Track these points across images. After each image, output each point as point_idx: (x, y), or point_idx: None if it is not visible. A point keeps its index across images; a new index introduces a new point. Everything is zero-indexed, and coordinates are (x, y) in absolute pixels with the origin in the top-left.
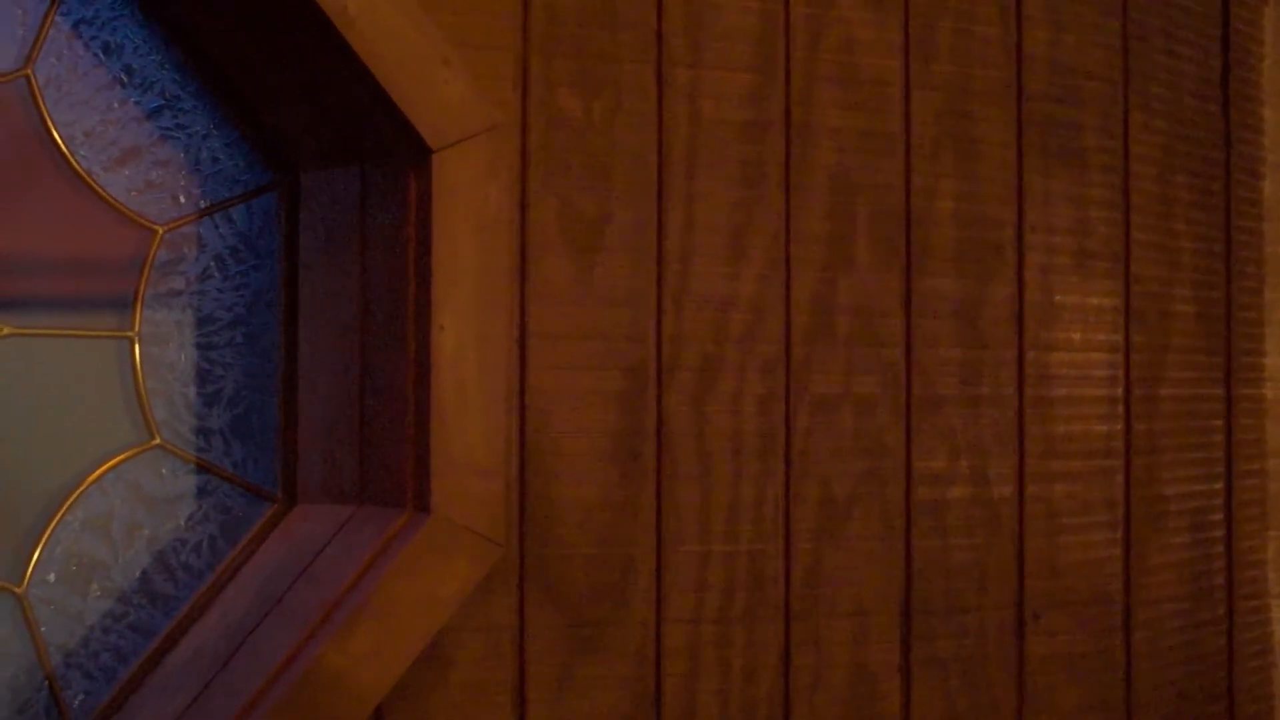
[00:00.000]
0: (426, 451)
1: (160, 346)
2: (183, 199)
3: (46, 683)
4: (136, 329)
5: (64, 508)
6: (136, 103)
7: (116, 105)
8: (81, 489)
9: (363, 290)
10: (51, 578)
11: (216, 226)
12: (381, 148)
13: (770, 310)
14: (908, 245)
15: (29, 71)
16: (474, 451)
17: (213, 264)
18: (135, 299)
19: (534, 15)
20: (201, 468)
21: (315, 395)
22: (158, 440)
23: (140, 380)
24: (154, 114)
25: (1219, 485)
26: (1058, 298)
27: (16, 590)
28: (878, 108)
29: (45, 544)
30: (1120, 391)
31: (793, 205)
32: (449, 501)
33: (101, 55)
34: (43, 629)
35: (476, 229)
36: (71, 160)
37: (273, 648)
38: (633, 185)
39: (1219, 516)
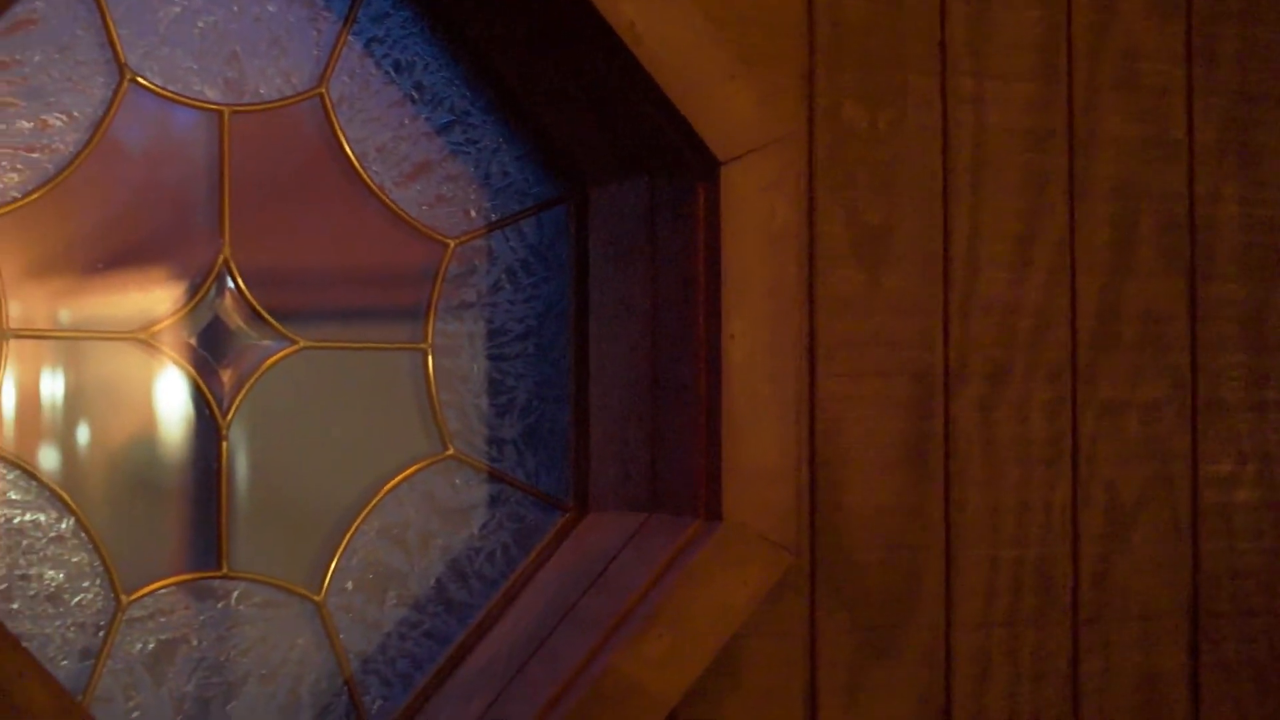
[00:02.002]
0: (718, 459)
1: (452, 358)
2: (473, 213)
3: (346, 688)
4: (429, 341)
5: (360, 517)
6: (427, 119)
7: (407, 121)
8: (377, 499)
9: (652, 301)
10: (349, 586)
11: (507, 239)
12: (669, 160)
13: (1056, 316)
14: (1192, 251)
15: (323, 90)
16: (765, 459)
17: (504, 276)
18: (428, 311)
19: (819, 28)
20: (494, 477)
21: (606, 405)
22: (451, 451)
23: (433, 391)
24: (444, 129)
25: None
26: None
27: (316, 598)
28: (1161, 115)
29: (343, 553)
30: None
31: (1077, 212)
32: (741, 509)
33: (393, 73)
34: (341, 636)
35: (765, 239)
36: (364, 176)
37: (566, 655)
38: (918, 195)
39: None
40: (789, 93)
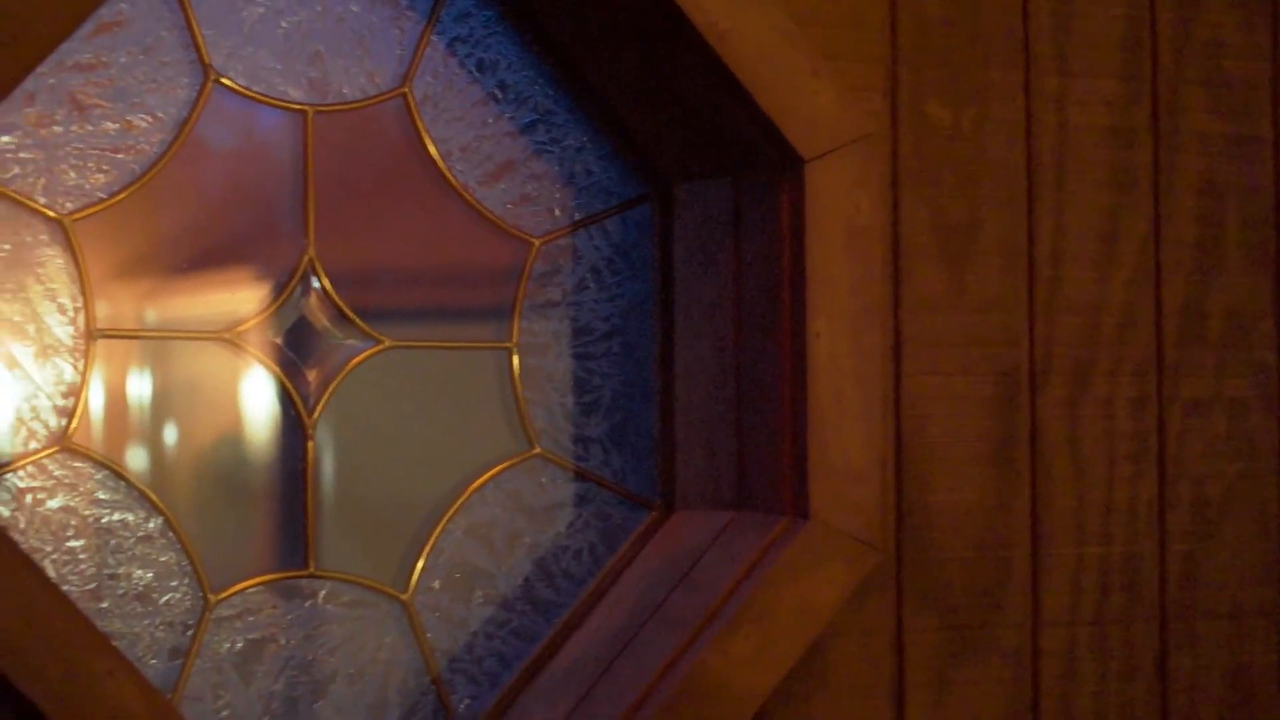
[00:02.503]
0: (804, 457)
1: (538, 357)
2: (558, 212)
3: (433, 687)
4: (515, 340)
5: (447, 516)
6: (510, 118)
7: (491, 121)
8: (464, 498)
9: (737, 299)
10: (436, 585)
11: (591, 238)
12: (753, 158)
13: (1141, 314)
14: (1278, 247)
15: (406, 90)
16: (851, 457)
17: (588, 275)
18: (513, 310)
19: (902, 26)
20: (580, 476)
21: (692, 403)
22: (537, 449)
23: (519, 390)
24: (528, 129)
25: None
26: None
27: (403, 598)
28: (1246, 111)
29: (429, 552)
30: None
31: (1162, 210)
32: (827, 507)
33: (476, 72)
34: (429, 635)
35: (849, 237)
36: (448, 175)
37: (654, 653)
38: (1002, 192)
39: None
40: (872, 90)
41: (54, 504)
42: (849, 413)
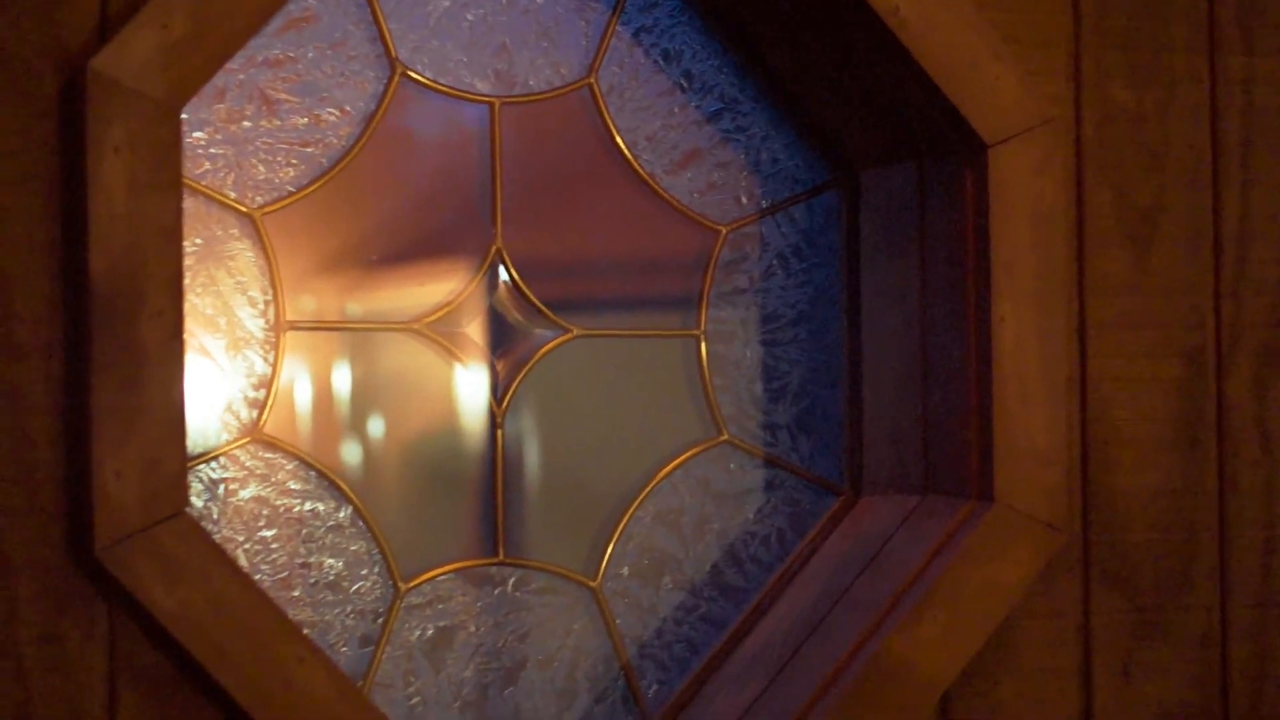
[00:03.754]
0: (989, 441)
1: (725, 344)
2: (744, 199)
3: (622, 673)
4: (702, 327)
5: (636, 503)
6: (696, 107)
7: (677, 110)
8: (652, 485)
9: (922, 284)
10: (625, 572)
11: (778, 225)
12: (936, 144)
13: None
14: None
15: (592, 80)
16: (1035, 440)
17: (775, 262)
18: (700, 298)
19: (1085, 10)
20: (769, 462)
21: (879, 388)
22: (725, 436)
23: (707, 377)
24: (714, 117)
25: None
26: None
27: (592, 584)
28: None
29: (618, 539)
30: None
31: None
32: (1012, 490)
33: (661, 62)
34: (618, 621)
35: (1032, 222)
36: (635, 165)
37: (841, 637)
38: (1187, 174)
39: None
40: (1055, 74)
41: (246, 494)
42: (1033, 396)
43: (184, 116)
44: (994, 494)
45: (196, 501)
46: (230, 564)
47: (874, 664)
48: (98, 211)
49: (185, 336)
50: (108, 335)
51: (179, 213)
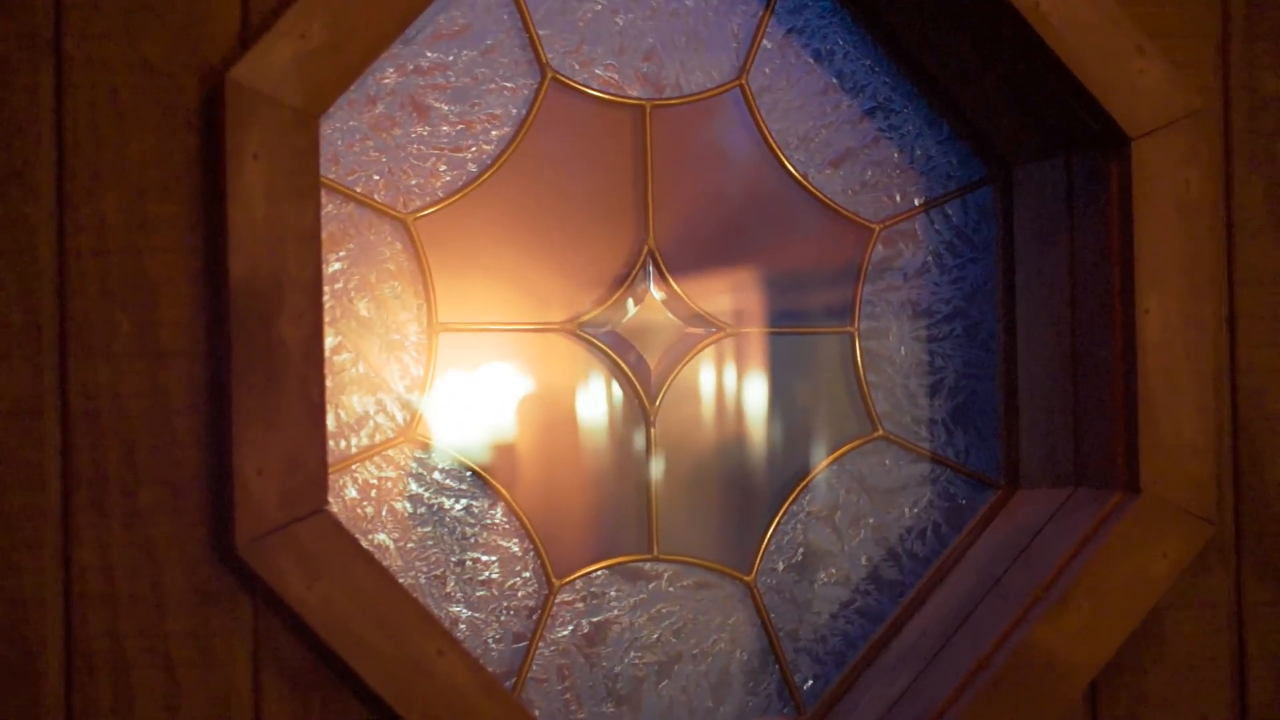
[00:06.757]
0: (1135, 433)
1: (879, 340)
2: (898, 197)
3: (777, 667)
4: (856, 324)
5: (791, 498)
6: (849, 106)
7: (829, 110)
8: (807, 480)
9: (1071, 278)
10: (780, 566)
11: (932, 222)
12: (1082, 138)
13: None
14: None
15: (743, 81)
16: (1183, 432)
17: (930, 259)
18: (854, 296)
19: (1233, 1)
20: (924, 457)
21: (1032, 382)
22: (880, 431)
23: (861, 374)
24: (866, 116)
25: None
26: None
27: (747, 579)
28: None
29: (773, 534)
30: None
31: None
32: (1159, 481)
33: (812, 62)
34: (772, 615)
35: (1178, 214)
36: (787, 164)
37: (988, 629)
38: None
39: None
40: (1201, 65)
41: (401, 494)
42: (1180, 388)
43: (336, 125)
44: (1140, 485)
45: (351, 499)
46: (370, 559)
47: (1017, 655)
48: (237, 217)
49: (336, 339)
50: (248, 337)
51: (317, 217)
